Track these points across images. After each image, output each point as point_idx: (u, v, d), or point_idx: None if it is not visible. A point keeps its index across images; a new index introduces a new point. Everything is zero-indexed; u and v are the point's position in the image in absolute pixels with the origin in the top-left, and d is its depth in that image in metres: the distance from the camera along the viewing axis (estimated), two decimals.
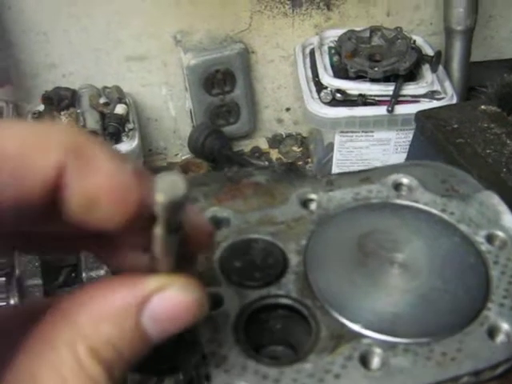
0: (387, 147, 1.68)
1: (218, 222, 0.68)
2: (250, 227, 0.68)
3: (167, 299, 0.41)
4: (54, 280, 1.42)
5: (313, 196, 0.71)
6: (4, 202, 0.35)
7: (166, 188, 0.39)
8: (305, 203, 0.71)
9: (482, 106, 1.50)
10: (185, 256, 0.45)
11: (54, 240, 0.44)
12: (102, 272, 1.33)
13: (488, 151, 1.35)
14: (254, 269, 0.63)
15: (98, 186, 0.37)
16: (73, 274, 1.44)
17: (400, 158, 1.66)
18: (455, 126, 1.42)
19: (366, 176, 0.76)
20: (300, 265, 0.64)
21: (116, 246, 0.45)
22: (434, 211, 0.70)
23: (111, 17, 1.72)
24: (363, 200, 0.71)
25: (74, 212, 0.38)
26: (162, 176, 0.39)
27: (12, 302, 1.27)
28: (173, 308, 0.41)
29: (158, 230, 0.42)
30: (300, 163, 1.96)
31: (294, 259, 0.64)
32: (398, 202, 0.72)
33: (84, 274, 1.33)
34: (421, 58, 1.68)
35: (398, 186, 0.74)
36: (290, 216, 0.69)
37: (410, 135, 1.57)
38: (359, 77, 1.64)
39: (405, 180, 0.74)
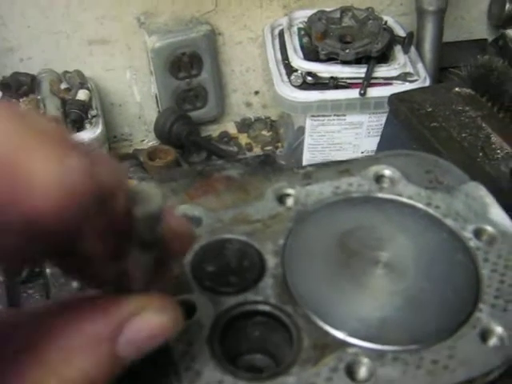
0: (359, 131, 1.65)
1: (189, 222, 0.63)
2: (224, 226, 0.63)
3: (142, 323, 0.39)
4: (17, 275, 1.36)
5: (290, 191, 0.67)
6: None
7: (142, 200, 0.35)
8: (281, 199, 0.66)
9: (456, 89, 1.47)
10: (160, 262, 0.42)
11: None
12: None
13: (463, 135, 1.32)
14: (229, 273, 0.58)
15: (34, 205, 0.29)
16: (36, 269, 1.38)
17: (372, 141, 1.63)
18: (429, 109, 1.39)
19: (345, 168, 0.71)
20: (278, 267, 0.59)
21: (79, 256, 0.40)
22: (419, 205, 0.66)
23: None
24: (343, 194, 0.67)
25: None
26: (137, 187, 0.35)
27: None
28: (148, 331, 0.40)
29: (133, 247, 0.38)
30: (270, 148, 1.91)
31: (271, 261, 0.60)
32: (381, 195, 0.67)
33: (48, 270, 1.27)
34: (392, 40, 1.64)
35: (379, 178, 0.69)
36: (265, 213, 0.64)
37: (383, 118, 1.53)
38: (330, 59, 1.59)
39: (387, 172, 0.70)
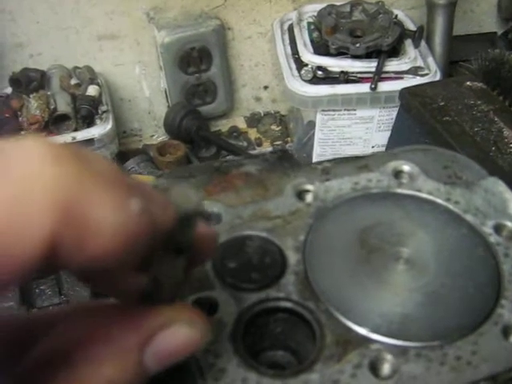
0: (370, 125, 1.64)
1: (207, 218, 0.63)
2: (243, 223, 0.63)
3: (171, 336, 0.39)
4: None
5: (309, 187, 0.67)
6: None
7: (179, 201, 0.35)
8: (300, 195, 0.66)
9: (468, 83, 1.46)
10: (188, 267, 0.42)
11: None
12: None
13: (476, 129, 1.32)
14: (251, 269, 0.58)
15: (99, 249, 0.31)
16: None
17: (383, 135, 1.62)
18: (441, 103, 1.39)
19: (363, 163, 0.71)
20: (299, 263, 0.59)
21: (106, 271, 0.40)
22: (439, 201, 0.66)
23: None
24: (363, 190, 0.67)
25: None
26: (173, 189, 0.35)
27: None
28: (176, 344, 0.40)
29: (166, 254, 0.38)
30: (279, 142, 1.91)
31: (292, 257, 0.60)
32: (400, 191, 0.67)
33: None
34: (403, 34, 1.64)
35: (398, 174, 0.69)
36: (285, 209, 0.64)
37: (393, 113, 1.53)
38: (340, 53, 1.58)
39: (405, 167, 0.69)
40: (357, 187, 0.67)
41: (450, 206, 0.66)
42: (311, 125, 1.69)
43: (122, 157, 1.70)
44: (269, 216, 0.63)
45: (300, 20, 1.72)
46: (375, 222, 0.63)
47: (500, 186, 0.68)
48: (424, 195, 0.67)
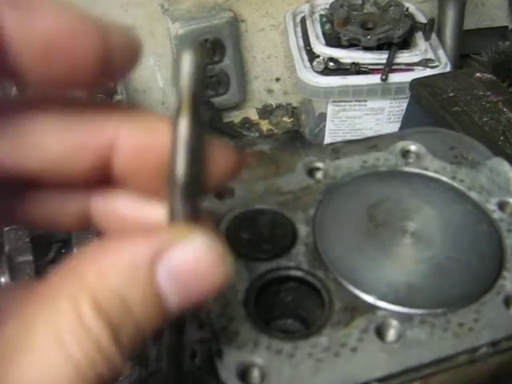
0: (380, 116, 1.66)
1: (222, 193, 0.66)
2: (256, 197, 0.65)
3: (187, 252, 0.34)
4: (44, 256, 1.39)
5: (319, 164, 0.69)
6: None
7: (186, 58, 0.35)
8: (311, 172, 0.69)
9: (477, 74, 1.48)
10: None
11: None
12: None
13: (485, 119, 1.33)
14: (262, 240, 0.61)
15: (47, 27, 0.32)
16: (63, 250, 1.42)
17: (394, 127, 1.64)
18: (451, 94, 1.40)
19: (372, 144, 0.74)
20: (309, 235, 0.62)
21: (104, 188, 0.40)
22: (444, 179, 0.68)
23: None
24: (371, 168, 0.69)
25: (28, 66, 0.33)
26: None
27: (2, 279, 1.24)
28: (194, 264, 0.34)
29: (184, 121, 0.35)
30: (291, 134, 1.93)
31: (302, 230, 0.62)
32: (407, 169, 0.70)
33: (75, 250, 1.30)
34: (414, 26, 1.65)
35: (405, 154, 0.72)
36: (296, 185, 0.67)
37: (404, 104, 1.54)
38: (352, 45, 1.60)
39: (413, 147, 0.72)
40: (365, 165, 0.70)
41: (456, 184, 0.68)
42: (322, 117, 1.71)
43: None
44: (280, 191, 0.66)
45: (312, 12, 1.74)
46: (383, 197, 0.66)
47: (505, 166, 0.70)
48: (430, 173, 0.69)
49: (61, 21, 0.33)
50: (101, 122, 0.37)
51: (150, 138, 0.37)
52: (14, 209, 0.40)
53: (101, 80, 0.35)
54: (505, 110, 1.37)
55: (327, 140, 1.71)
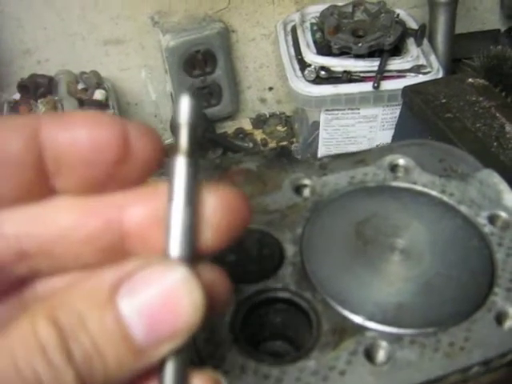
0: (374, 124, 1.65)
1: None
2: None
3: (156, 282, 0.32)
4: None
5: (306, 181, 0.68)
6: None
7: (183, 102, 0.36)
8: (298, 189, 0.68)
9: (470, 80, 1.47)
10: None
11: None
12: None
13: (478, 125, 1.33)
14: (249, 261, 0.60)
15: (80, 139, 0.35)
16: None
17: (387, 134, 1.64)
18: (443, 100, 1.40)
19: (360, 158, 0.73)
20: (297, 255, 0.61)
21: None
22: (433, 193, 0.68)
23: (85, 0, 1.66)
24: (359, 184, 0.68)
25: (62, 170, 0.35)
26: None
27: None
28: (161, 298, 0.32)
29: (180, 157, 0.36)
30: (285, 143, 1.92)
31: (290, 249, 0.61)
32: (396, 184, 0.69)
33: None
34: (405, 32, 1.65)
35: (394, 168, 0.71)
36: (283, 203, 0.66)
37: (397, 111, 1.54)
38: (343, 53, 1.60)
39: (401, 161, 0.71)
40: (353, 181, 0.69)
41: (445, 198, 0.67)
42: (316, 125, 1.70)
43: None
44: (267, 210, 0.65)
45: (303, 21, 1.74)
46: (371, 214, 0.65)
47: (494, 178, 0.70)
48: (419, 188, 0.68)
49: (88, 127, 0.35)
50: (109, 200, 0.37)
51: (155, 204, 0.37)
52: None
53: (122, 174, 0.37)
54: (498, 115, 1.36)
55: (321, 148, 1.70)
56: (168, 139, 1.91)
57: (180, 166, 0.35)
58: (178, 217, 0.35)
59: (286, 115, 1.99)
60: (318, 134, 1.69)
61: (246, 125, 1.97)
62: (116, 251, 0.37)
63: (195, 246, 0.35)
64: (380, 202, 0.66)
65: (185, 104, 0.37)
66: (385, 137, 1.64)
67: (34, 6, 1.66)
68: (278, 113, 1.99)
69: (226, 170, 0.71)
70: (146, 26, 1.75)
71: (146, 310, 0.32)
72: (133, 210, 0.36)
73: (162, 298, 0.32)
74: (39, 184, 0.36)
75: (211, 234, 0.36)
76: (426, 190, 0.68)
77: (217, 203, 0.36)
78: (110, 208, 0.36)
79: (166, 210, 0.35)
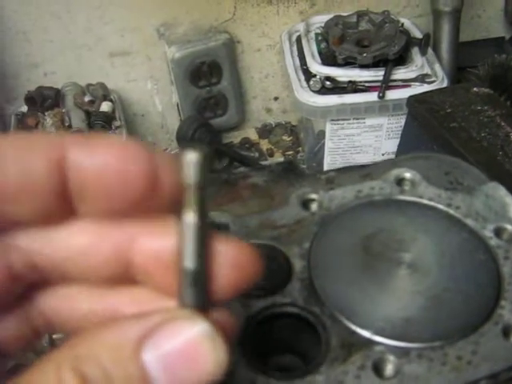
0: (379, 133, 1.66)
1: (217, 228, 0.66)
2: (251, 232, 0.65)
3: (178, 336, 0.33)
4: None
5: (313, 196, 0.69)
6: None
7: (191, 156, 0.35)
8: (305, 204, 0.69)
9: (475, 89, 1.48)
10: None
11: None
12: None
13: (483, 134, 1.33)
14: None
15: (105, 164, 0.34)
16: None
17: (393, 143, 1.64)
18: (448, 110, 1.40)
19: (366, 172, 0.73)
20: (305, 270, 0.61)
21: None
22: (440, 206, 0.68)
23: (91, 13, 1.68)
24: (366, 198, 0.69)
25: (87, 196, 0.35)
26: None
27: None
28: (184, 351, 0.33)
29: (189, 213, 0.35)
30: (291, 152, 1.93)
31: (298, 264, 0.62)
32: (402, 198, 0.69)
33: None
34: (409, 42, 1.66)
35: (400, 181, 0.71)
36: (291, 218, 0.67)
37: (402, 120, 1.55)
38: (348, 63, 1.61)
39: (407, 174, 0.71)
40: (360, 195, 0.69)
41: (451, 211, 0.68)
42: (321, 134, 1.71)
43: None
44: (275, 225, 0.66)
45: (308, 31, 1.75)
46: (378, 228, 0.66)
47: (500, 191, 0.70)
48: (425, 201, 0.69)
49: (116, 157, 0.34)
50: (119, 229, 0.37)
51: (164, 242, 0.37)
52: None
53: (150, 202, 0.36)
54: (503, 124, 1.37)
55: (327, 158, 1.71)
56: (175, 150, 1.93)
57: (189, 223, 0.35)
58: (188, 272, 0.36)
59: (291, 125, 2.00)
60: (323, 144, 1.70)
61: (252, 135, 1.98)
62: (122, 276, 0.38)
63: (207, 298, 0.36)
64: (387, 216, 0.67)
65: (191, 162, 0.35)
66: (390, 146, 1.65)
67: (41, 20, 1.67)
68: (283, 122, 2.00)
69: (234, 185, 0.72)
70: (151, 37, 1.77)
71: (170, 366, 0.33)
72: (143, 242, 0.37)
73: (187, 354, 0.33)
74: (60, 207, 0.35)
75: (220, 287, 0.37)
76: (432, 203, 0.68)
77: (226, 259, 0.38)
78: (123, 236, 0.37)
79: (176, 258, 0.36)
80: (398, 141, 1.57)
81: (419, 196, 0.69)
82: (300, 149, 1.92)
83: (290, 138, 1.98)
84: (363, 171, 0.73)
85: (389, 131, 1.66)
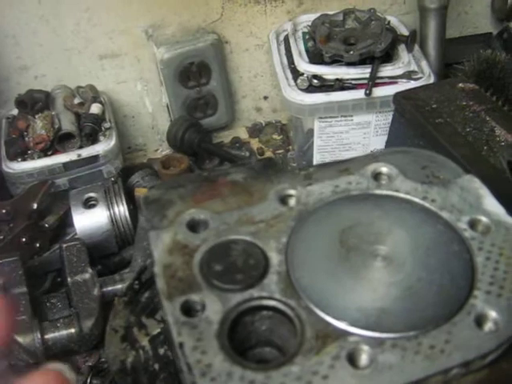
0: (367, 130, 1.67)
1: (196, 225, 0.67)
2: (229, 228, 0.66)
3: None
4: (40, 287, 1.40)
5: (291, 191, 0.70)
6: None
7: None
8: (284, 199, 0.70)
9: (460, 84, 1.49)
10: None
11: None
12: (87, 275, 1.31)
13: (468, 129, 1.34)
14: (236, 271, 0.62)
15: None
16: (58, 279, 1.42)
17: (381, 140, 1.65)
18: (434, 105, 1.41)
19: (344, 167, 0.75)
20: (282, 264, 0.63)
21: None
22: (416, 200, 0.69)
23: (80, 15, 1.68)
24: (343, 192, 0.70)
25: None
26: None
27: None
28: None
29: None
30: (281, 151, 1.94)
31: (275, 258, 0.63)
32: (379, 192, 0.71)
33: (69, 279, 1.31)
34: (396, 39, 1.66)
35: (377, 176, 0.73)
36: (269, 214, 0.68)
37: (390, 117, 1.55)
38: (335, 61, 1.61)
39: (384, 169, 0.73)
40: (337, 190, 0.71)
41: (427, 204, 0.69)
42: (311, 133, 1.72)
43: (128, 171, 1.74)
44: (253, 221, 0.67)
45: (295, 30, 1.76)
46: (354, 222, 0.67)
47: (475, 183, 0.71)
48: (402, 195, 0.70)
49: None
50: None
51: None
52: None
53: None
54: (488, 118, 1.38)
55: (316, 156, 1.72)
56: (165, 150, 1.93)
57: None
58: None
59: (281, 124, 2.01)
60: (313, 142, 1.71)
61: (243, 134, 1.99)
62: None
63: None
64: (363, 210, 0.68)
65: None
66: (379, 142, 1.66)
67: (30, 24, 1.68)
68: (273, 121, 2.01)
69: (213, 182, 0.73)
70: (140, 39, 1.77)
71: None
72: None
73: None
74: None
75: None
76: (408, 196, 0.70)
77: None
78: None
79: None
80: (386, 138, 1.58)
81: (396, 190, 0.71)
82: (290, 147, 1.93)
83: (281, 136, 1.99)
84: (341, 166, 0.74)
85: (377, 128, 1.67)
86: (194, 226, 0.66)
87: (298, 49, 1.68)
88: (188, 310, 0.58)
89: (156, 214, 0.68)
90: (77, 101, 1.70)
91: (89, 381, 1.27)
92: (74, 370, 1.31)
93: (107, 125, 1.64)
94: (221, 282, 0.60)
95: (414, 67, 1.62)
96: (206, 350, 0.55)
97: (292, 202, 0.69)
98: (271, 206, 0.68)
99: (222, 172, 0.74)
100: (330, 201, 0.69)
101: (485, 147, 1.30)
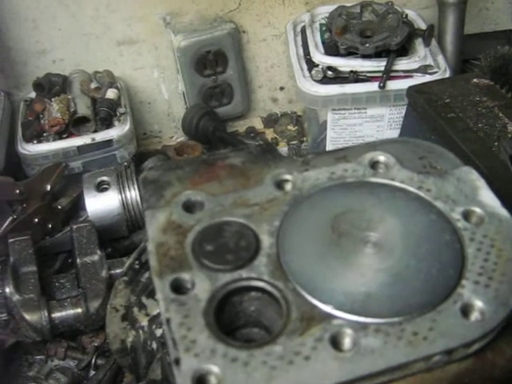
0: (381, 123, 1.67)
1: (191, 206, 0.68)
2: (224, 210, 0.67)
3: None
4: (50, 267, 1.42)
5: (287, 177, 0.71)
6: None
7: None
8: (279, 184, 0.71)
9: (475, 80, 1.48)
10: None
11: None
12: (95, 257, 1.33)
13: (480, 125, 1.34)
14: (227, 252, 0.63)
15: None
16: (69, 260, 1.44)
17: (394, 133, 1.65)
18: (447, 100, 1.41)
19: (342, 155, 0.75)
20: (273, 246, 0.63)
21: None
22: (410, 189, 0.70)
23: (99, 1, 1.70)
24: (338, 179, 0.71)
25: None
26: None
27: (7, 289, 1.27)
28: None
29: None
30: (295, 142, 1.94)
31: (266, 241, 0.64)
32: (374, 180, 0.71)
33: (78, 260, 1.33)
34: (413, 33, 1.66)
35: (374, 164, 0.73)
36: (264, 197, 0.69)
37: (404, 111, 1.55)
38: (350, 53, 1.61)
39: (381, 158, 0.73)
40: (333, 177, 0.71)
41: (422, 194, 0.69)
42: (325, 125, 1.72)
43: (142, 157, 1.76)
44: (248, 203, 0.68)
45: (312, 22, 1.76)
46: (347, 209, 0.67)
47: (472, 175, 0.71)
48: (397, 184, 0.70)
49: None
50: None
51: None
52: None
53: None
54: (500, 115, 1.37)
55: (329, 147, 1.72)
56: (180, 137, 1.95)
57: None
58: None
59: (297, 115, 2.01)
60: (326, 134, 1.71)
61: (258, 124, 2.00)
62: None
63: None
64: (357, 197, 0.69)
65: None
66: (392, 136, 1.65)
67: (49, 8, 1.70)
68: (289, 112, 2.01)
69: (212, 165, 0.74)
70: (158, 26, 1.78)
71: None
72: None
73: None
74: None
75: None
76: (403, 185, 0.70)
77: None
78: None
79: None
80: (399, 131, 1.57)
81: (391, 178, 0.71)
82: (305, 138, 1.93)
83: (296, 127, 1.99)
84: (339, 154, 0.74)
85: (390, 121, 1.66)
86: (189, 207, 0.67)
87: (315, 40, 1.68)
88: (178, 287, 0.59)
89: (153, 194, 0.69)
90: (93, 85, 1.72)
91: (93, 361, 1.29)
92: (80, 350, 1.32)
93: (122, 110, 1.65)
94: (211, 262, 0.61)
95: (430, 61, 1.61)
96: (192, 327, 0.56)
97: (288, 186, 0.70)
98: (267, 190, 0.69)
99: (220, 155, 0.74)
100: (325, 187, 0.69)
101: (496, 143, 1.29)
